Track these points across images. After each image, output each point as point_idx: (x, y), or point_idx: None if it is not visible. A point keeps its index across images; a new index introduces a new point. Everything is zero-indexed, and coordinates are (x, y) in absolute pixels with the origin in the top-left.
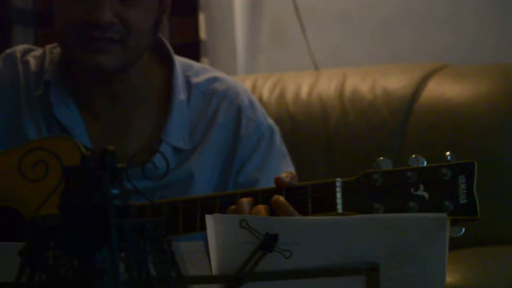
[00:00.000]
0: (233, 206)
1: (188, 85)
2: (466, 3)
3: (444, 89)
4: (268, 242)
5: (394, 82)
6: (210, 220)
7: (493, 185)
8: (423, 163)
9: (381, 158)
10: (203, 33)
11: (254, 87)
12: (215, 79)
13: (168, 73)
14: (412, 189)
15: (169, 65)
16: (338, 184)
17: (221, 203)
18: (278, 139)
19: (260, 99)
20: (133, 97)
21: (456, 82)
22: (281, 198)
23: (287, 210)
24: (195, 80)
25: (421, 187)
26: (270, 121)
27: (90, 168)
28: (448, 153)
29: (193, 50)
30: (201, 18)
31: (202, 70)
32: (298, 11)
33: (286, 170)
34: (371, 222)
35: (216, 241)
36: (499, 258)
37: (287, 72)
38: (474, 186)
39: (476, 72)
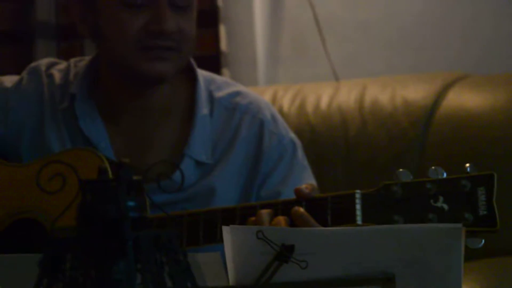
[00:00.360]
0: (253, 218)
1: (211, 99)
2: (483, 12)
3: (464, 99)
4: (284, 253)
5: (414, 92)
6: (227, 231)
7: (505, 195)
8: (443, 174)
9: (401, 169)
10: (223, 45)
11: (274, 99)
12: (237, 93)
13: (192, 88)
14: (431, 201)
15: (193, 80)
16: (357, 196)
17: (241, 215)
18: (300, 152)
19: (281, 110)
20: (160, 111)
21: (475, 92)
22: (301, 209)
23: (307, 221)
24: (218, 94)
25: (441, 198)
26: (292, 135)
27: (105, 180)
28: (468, 164)
29: (214, 62)
30: (222, 30)
31: (224, 84)
32: (317, 22)
33: (308, 182)
34: (387, 233)
35: (233, 252)
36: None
37: (307, 83)
38: (494, 198)
39: (495, 82)
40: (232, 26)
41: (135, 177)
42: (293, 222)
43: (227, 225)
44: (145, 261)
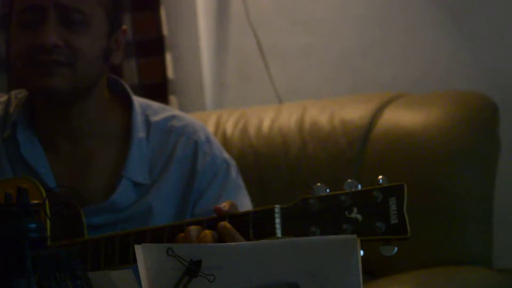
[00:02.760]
0: (182, 234)
1: (147, 123)
2: (422, 34)
3: (399, 118)
4: (193, 268)
5: (351, 112)
6: (139, 250)
7: (446, 208)
8: (357, 187)
9: (318, 184)
10: (170, 72)
11: (218, 123)
12: (173, 117)
13: (128, 113)
14: (346, 212)
15: (129, 106)
16: (277, 210)
17: (169, 233)
18: (233, 172)
19: (224, 134)
20: (94, 135)
21: (410, 110)
22: (227, 224)
23: (232, 234)
24: (154, 118)
25: (355, 210)
26: (226, 156)
27: (7, 205)
28: (380, 177)
29: (161, 89)
30: (168, 57)
31: (160, 109)
32: (261, 48)
33: (242, 201)
34: (289, 246)
35: (146, 269)
36: (445, 278)
37: (250, 107)
38: (404, 207)
39: (429, 100)
40: (178, 54)
41: (34, 201)
42: (220, 236)
43: (156, 243)
44: (44, 278)
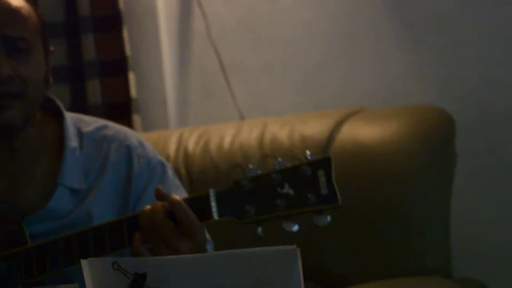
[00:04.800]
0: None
1: (80, 134)
2: (383, 50)
3: (357, 132)
4: (138, 281)
5: (311, 128)
6: (85, 264)
7: (403, 220)
8: (287, 165)
9: (250, 166)
10: (134, 92)
11: (180, 141)
12: (104, 127)
13: (60, 126)
14: (278, 188)
15: (60, 119)
16: (212, 194)
17: (110, 230)
18: (170, 172)
19: (186, 151)
20: (30, 151)
21: (368, 125)
22: (177, 197)
23: (184, 207)
24: (86, 129)
25: (286, 185)
26: (160, 158)
27: None
28: (308, 152)
29: (125, 108)
30: (132, 77)
31: (92, 121)
32: (223, 66)
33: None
34: (233, 257)
35: (93, 283)
36: None
37: (212, 124)
38: (333, 178)
39: (386, 115)
40: (141, 73)
41: None
42: (172, 209)
43: (99, 241)
44: None
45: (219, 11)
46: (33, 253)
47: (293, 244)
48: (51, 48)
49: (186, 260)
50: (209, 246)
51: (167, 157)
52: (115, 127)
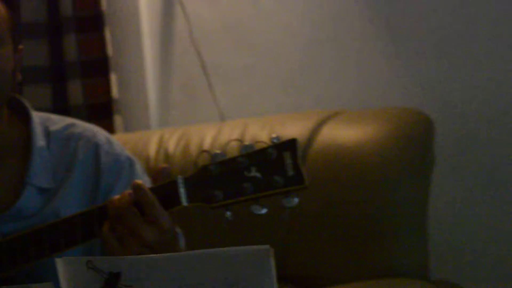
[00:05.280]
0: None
1: (47, 133)
2: (369, 53)
3: (337, 134)
4: (112, 280)
5: (291, 129)
6: (60, 263)
7: (381, 221)
8: (253, 148)
9: (217, 151)
10: (115, 92)
11: (160, 141)
12: (72, 125)
13: (27, 126)
14: (245, 172)
15: (27, 119)
16: (180, 181)
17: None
18: (138, 168)
19: (166, 152)
20: None
21: (347, 127)
22: (139, 181)
23: (142, 187)
24: (53, 128)
25: (253, 169)
26: (128, 154)
27: None
28: (274, 135)
29: (106, 109)
30: (113, 77)
31: (59, 120)
32: (205, 67)
33: None
34: (208, 257)
35: (67, 282)
36: None
37: (192, 125)
38: (299, 160)
39: (366, 117)
40: (123, 74)
41: None
42: (136, 197)
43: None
44: None
45: (202, 13)
46: (3, 247)
47: (269, 246)
48: (20, 46)
49: (160, 259)
50: (181, 241)
51: (148, 158)
52: (82, 125)
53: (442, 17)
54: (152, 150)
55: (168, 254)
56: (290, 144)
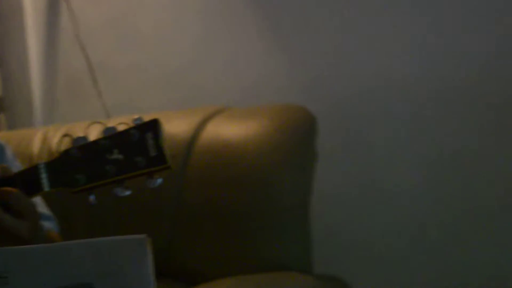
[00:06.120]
0: None
1: None
2: (251, 49)
3: (221, 131)
4: None
5: (176, 126)
6: None
7: (264, 215)
8: (115, 131)
9: (80, 135)
10: None
11: (44, 139)
12: None
13: None
14: (107, 155)
15: None
16: (41, 166)
17: None
18: (9, 153)
19: (50, 150)
20: None
21: (231, 123)
22: (6, 189)
23: (13, 193)
24: None
25: (116, 151)
26: None
27: None
28: (135, 117)
29: None
30: None
31: None
32: (90, 64)
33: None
34: (81, 246)
35: None
36: (256, 285)
37: (77, 122)
38: (161, 140)
39: (251, 114)
40: (7, 71)
41: None
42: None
43: None
44: None
45: (87, 9)
46: None
47: (156, 240)
48: None
49: (32, 250)
50: (52, 223)
51: (31, 156)
52: None
53: (323, 15)
54: (35, 147)
55: (41, 245)
56: (152, 125)
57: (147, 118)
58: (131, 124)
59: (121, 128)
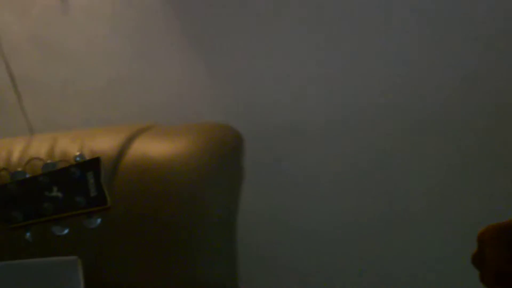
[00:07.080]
0: None
1: None
2: (180, 67)
3: (147, 148)
4: None
5: (101, 143)
6: None
7: (191, 233)
8: (55, 167)
9: (19, 169)
10: None
11: None
12: None
13: None
14: (46, 192)
15: None
16: None
17: None
18: None
19: None
20: None
21: (158, 141)
22: None
23: None
24: None
25: (55, 188)
26: None
27: None
28: (77, 153)
29: None
30: None
31: None
32: (14, 79)
33: None
34: (9, 268)
35: None
36: None
37: (0, 139)
38: (102, 180)
39: (178, 131)
40: None
41: None
42: None
43: None
44: None
45: (11, 24)
46: None
47: (82, 254)
48: None
49: None
50: None
51: None
52: None
53: (252, 34)
54: None
55: None
56: (94, 164)
57: (71, 135)
58: (72, 162)
59: (61, 165)
